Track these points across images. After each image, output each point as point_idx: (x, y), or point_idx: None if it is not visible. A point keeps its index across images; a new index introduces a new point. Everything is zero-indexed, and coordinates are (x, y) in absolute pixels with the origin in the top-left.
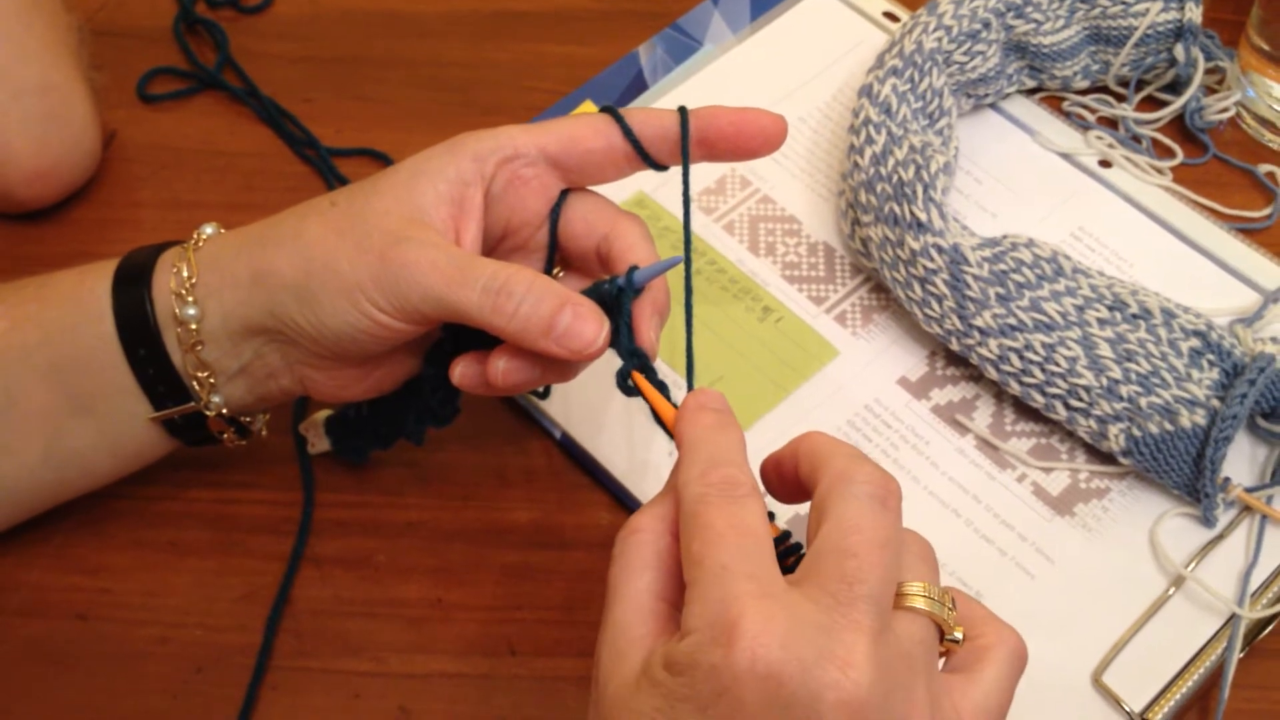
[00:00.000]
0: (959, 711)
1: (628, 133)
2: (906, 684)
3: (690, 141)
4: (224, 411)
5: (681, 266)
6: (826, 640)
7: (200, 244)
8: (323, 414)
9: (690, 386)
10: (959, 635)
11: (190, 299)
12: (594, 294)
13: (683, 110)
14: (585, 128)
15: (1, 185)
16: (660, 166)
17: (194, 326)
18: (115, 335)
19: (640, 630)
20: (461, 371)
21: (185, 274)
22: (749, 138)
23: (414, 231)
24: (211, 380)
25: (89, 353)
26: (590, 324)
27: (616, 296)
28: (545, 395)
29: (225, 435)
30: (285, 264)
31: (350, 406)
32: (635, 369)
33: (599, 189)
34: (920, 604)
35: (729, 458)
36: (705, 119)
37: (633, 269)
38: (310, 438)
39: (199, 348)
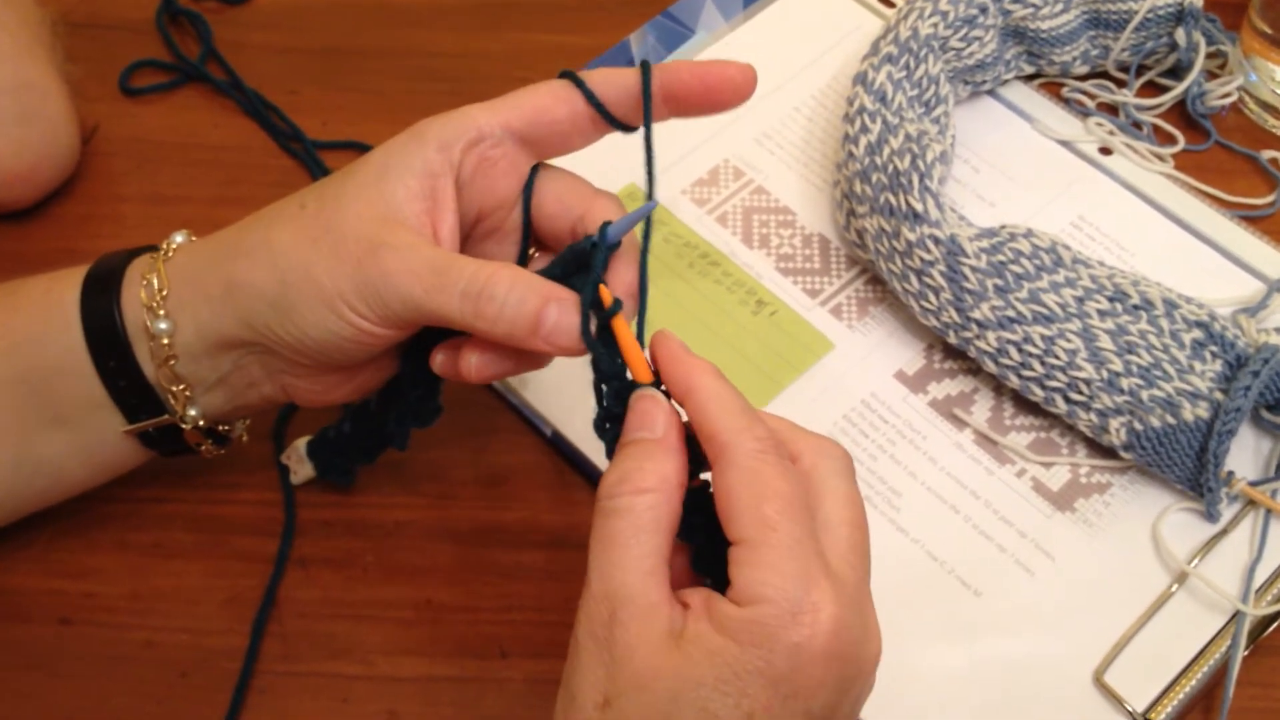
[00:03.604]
0: None
1: (589, 96)
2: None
3: (655, 98)
4: (200, 424)
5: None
6: (864, 617)
7: (170, 254)
8: (303, 440)
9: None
10: None
11: (161, 312)
12: (569, 255)
13: (645, 64)
14: (546, 97)
15: None
16: (627, 127)
17: (166, 340)
18: (84, 345)
19: (656, 595)
20: (441, 360)
21: (156, 285)
22: (715, 90)
23: (390, 235)
24: (188, 393)
25: (58, 362)
26: (577, 318)
27: (589, 252)
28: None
29: (204, 447)
30: (259, 275)
31: (330, 426)
32: (611, 316)
33: (574, 169)
34: None
35: (755, 412)
36: (668, 73)
37: (605, 224)
38: (292, 465)
39: (172, 361)
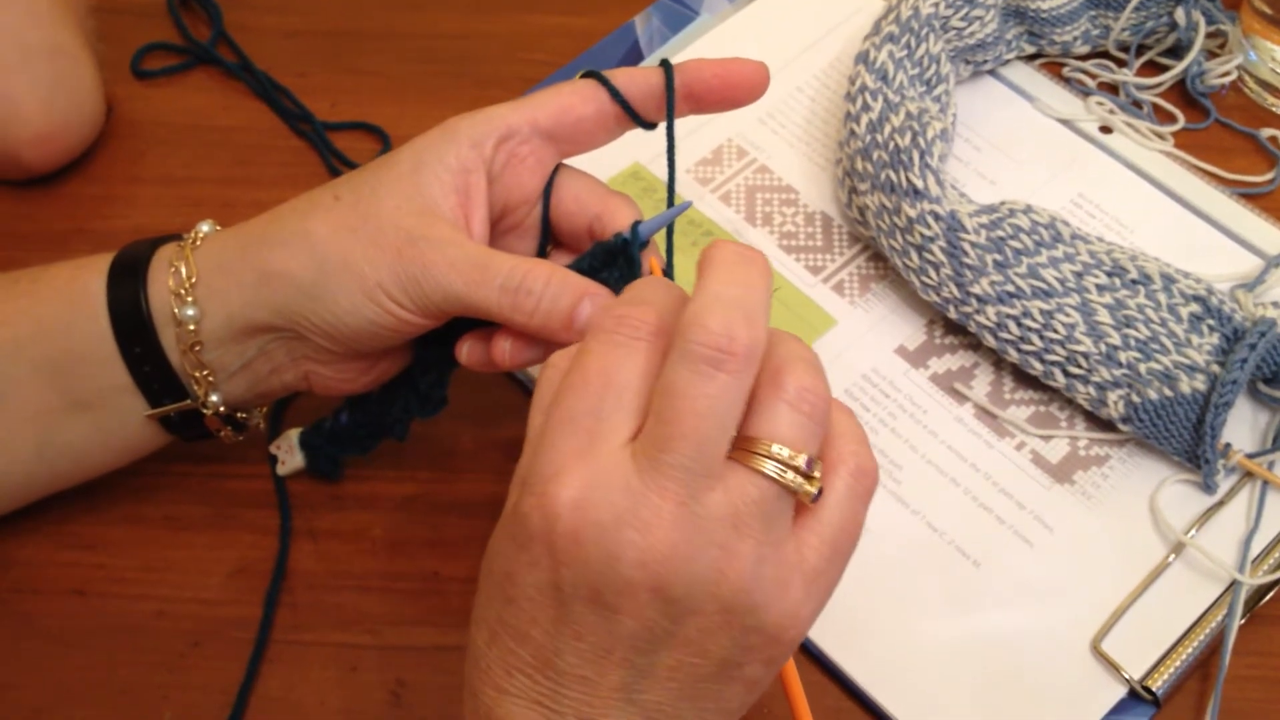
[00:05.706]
0: (802, 553)
1: (615, 95)
2: (725, 543)
3: (676, 97)
4: (221, 410)
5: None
6: (631, 503)
7: (198, 242)
8: (295, 431)
9: None
10: (812, 494)
11: (190, 299)
12: (598, 251)
13: (666, 64)
14: (573, 96)
15: (9, 146)
16: (649, 124)
17: (192, 327)
18: (110, 332)
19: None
20: (468, 350)
21: (184, 273)
22: (733, 88)
23: (428, 228)
24: (211, 378)
25: (83, 348)
26: None
27: (619, 248)
28: None
29: (223, 433)
30: (296, 264)
31: (326, 418)
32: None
33: (588, 170)
34: (769, 469)
35: (656, 297)
36: (690, 73)
37: (636, 223)
38: (281, 455)
39: (197, 348)
